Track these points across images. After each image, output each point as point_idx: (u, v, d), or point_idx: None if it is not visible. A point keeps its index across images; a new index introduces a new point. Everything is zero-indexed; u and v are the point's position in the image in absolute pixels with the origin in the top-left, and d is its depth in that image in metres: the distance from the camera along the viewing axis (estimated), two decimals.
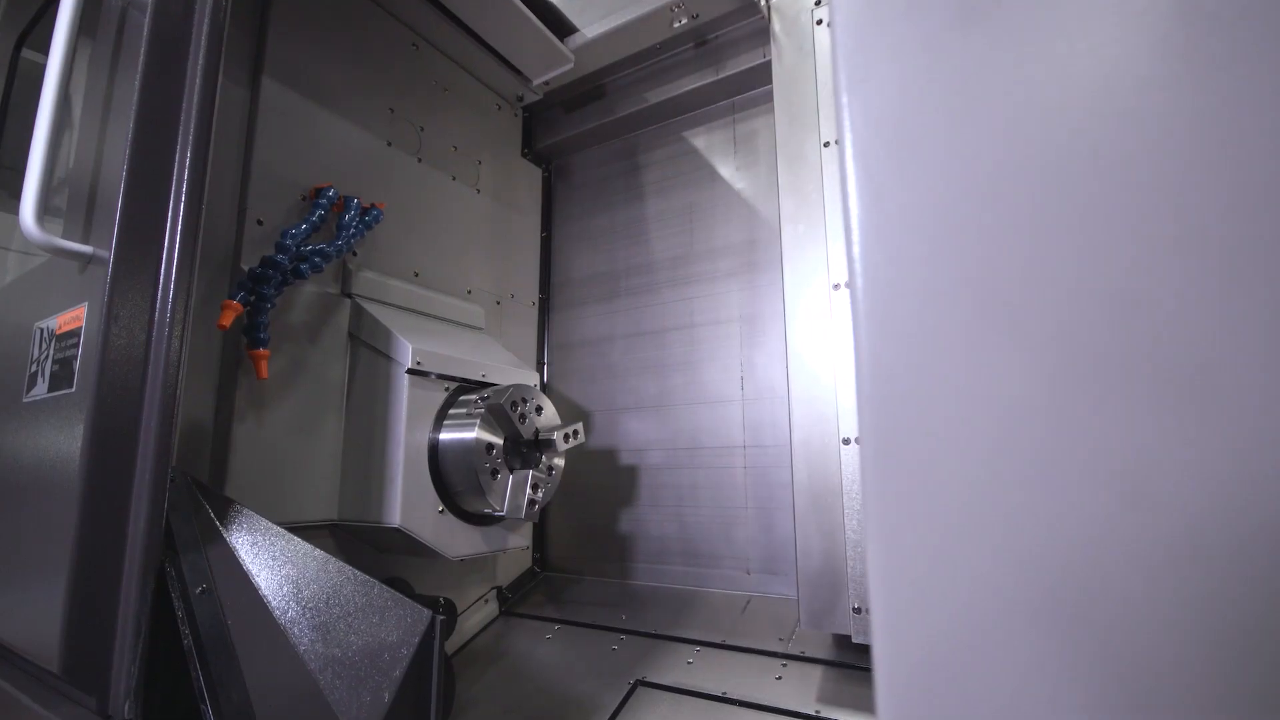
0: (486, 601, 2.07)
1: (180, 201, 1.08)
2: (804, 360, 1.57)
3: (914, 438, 0.33)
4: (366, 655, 1.05)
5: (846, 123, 0.36)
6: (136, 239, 1.07)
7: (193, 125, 1.11)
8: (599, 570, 2.26)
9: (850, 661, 1.53)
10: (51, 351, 1.16)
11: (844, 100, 0.36)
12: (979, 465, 0.33)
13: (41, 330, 1.21)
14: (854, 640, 1.40)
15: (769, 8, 1.77)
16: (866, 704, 1.37)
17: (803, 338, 1.58)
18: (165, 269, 1.06)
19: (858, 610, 1.37)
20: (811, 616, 1.46)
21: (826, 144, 1.59)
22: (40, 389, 1.17)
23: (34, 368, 1.21)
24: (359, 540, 1.70)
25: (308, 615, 1.08)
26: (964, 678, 0.33)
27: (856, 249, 0.35)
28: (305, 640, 1.05)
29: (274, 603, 1.08)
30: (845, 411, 1.46)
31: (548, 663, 1.77)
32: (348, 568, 1.14)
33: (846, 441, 1.45)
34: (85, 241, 1.14)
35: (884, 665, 0.35)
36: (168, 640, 1.00)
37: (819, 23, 1.74)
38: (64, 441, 1.07)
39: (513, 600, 2.14)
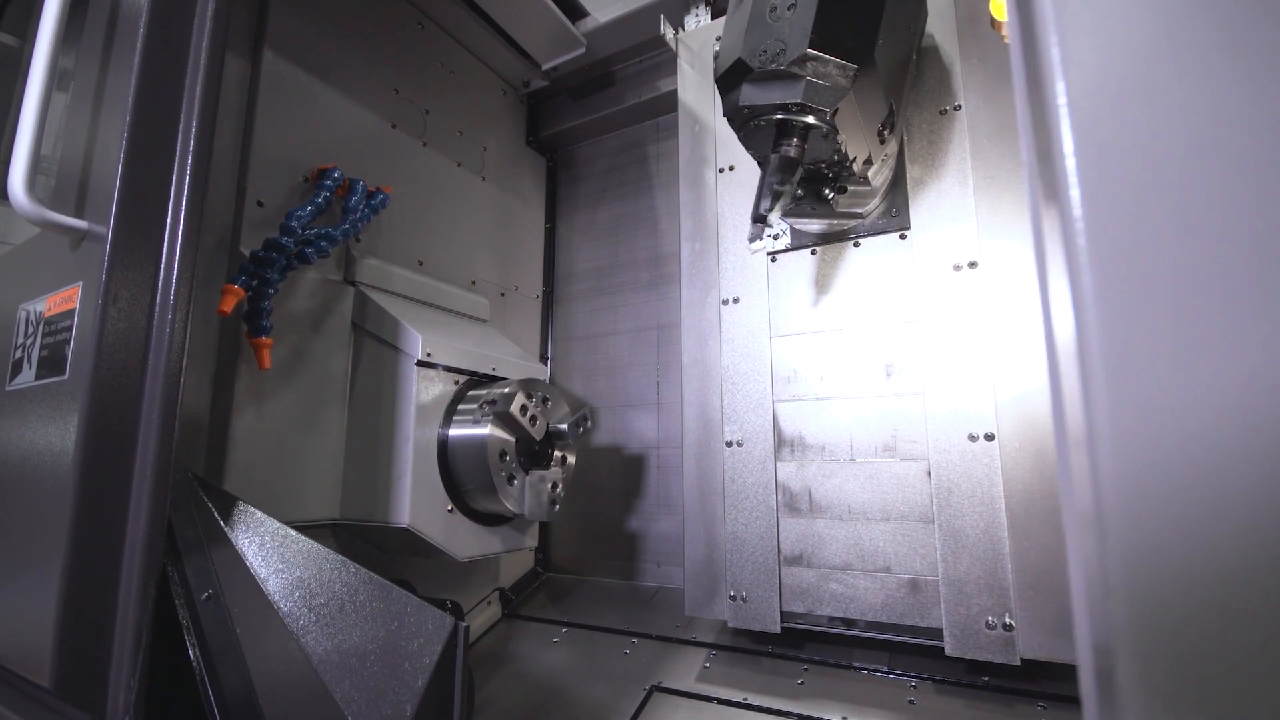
0: (489, 603, 2.00)
1: (185, 175, 1.00)
2: (695, 369, 1.70)
3: (1173, 436, 0.28)
4: (385, 665, 0.98)
5: (1056, 62, 0.31)
6: (136, 214, 0.99)
7: (198, 94, 1.03)
8: (605, 570, 2.20)
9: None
10: (39, 335, 1.07)
11: (1051, 35, 0.31)
12: (1246, 464, 0.28)
13: (27, 313, 1.12)
14: (730, 625, 1.54)
15: (676, 41, 1.86)
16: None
17: (695, 348, 1.71)
18: (169, 247, 0.98)
19: (733, 598, 1.52)
20: (694, 604, 1.60)
21: (722, 170, 1.74)
22: (26, 376, 1.08)
23: (19, 353, 1.11)
24: (361, 540, 1.62)
25: (321, 622, 1.01)
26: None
27: (1078, 213, 0.29)
28: (320, 649, 0.97)
29: (285, 609, 1.00)
30: (727, 417, 1.61)
31: (558, 667, 1.70)
32: (363, 570, 1.07)
33: (729, 444, 1.59)
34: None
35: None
36: (170, 650, 0.93)
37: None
38: (55, 433, 0.98)
39: (516, 602, 2.07)
